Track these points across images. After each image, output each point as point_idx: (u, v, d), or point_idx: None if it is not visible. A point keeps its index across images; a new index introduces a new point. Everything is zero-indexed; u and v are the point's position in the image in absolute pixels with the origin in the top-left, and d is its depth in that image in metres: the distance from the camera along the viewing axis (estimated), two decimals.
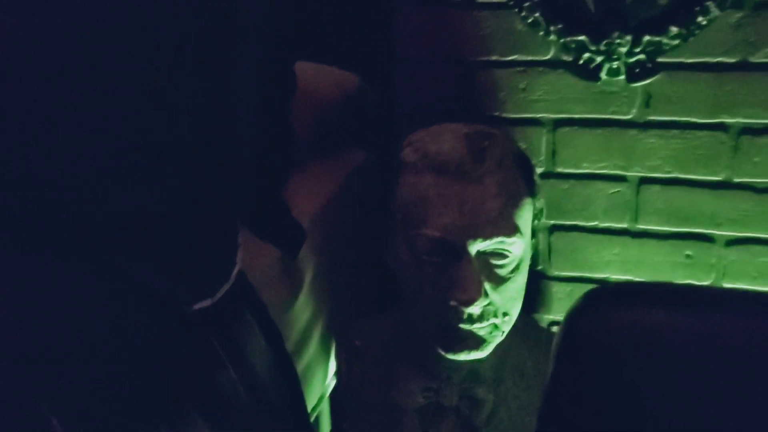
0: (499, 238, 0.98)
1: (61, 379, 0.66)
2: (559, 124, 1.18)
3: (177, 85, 0.75)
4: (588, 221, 1.22)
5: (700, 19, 1.04)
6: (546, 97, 1.17)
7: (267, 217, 1.06)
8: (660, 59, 1.09)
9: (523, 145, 1.17)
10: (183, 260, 0.79)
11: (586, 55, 1.10)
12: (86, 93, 0.70)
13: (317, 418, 1.31)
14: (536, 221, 1.07)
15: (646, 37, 1.06)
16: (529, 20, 1.11)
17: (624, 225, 1.20)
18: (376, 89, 1.45)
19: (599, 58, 1.09)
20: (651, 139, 1.14)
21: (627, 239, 1.21)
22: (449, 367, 1.10)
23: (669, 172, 1.15)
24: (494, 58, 1.17)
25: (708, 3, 1.03)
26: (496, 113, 1.20)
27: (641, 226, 1.20)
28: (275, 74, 1.11)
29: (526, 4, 1.10)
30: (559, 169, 1.20)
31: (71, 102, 0.70)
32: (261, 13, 0.87)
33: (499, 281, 1.01)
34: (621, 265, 1.23)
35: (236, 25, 0.82)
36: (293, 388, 0.98)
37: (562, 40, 1.11)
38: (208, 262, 0.83)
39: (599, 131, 1.16)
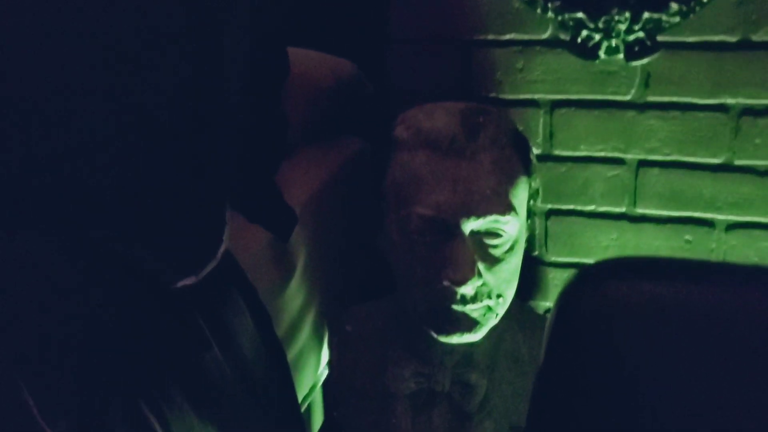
0: (493, 217, 0.96)
1: (36, 355, 0.64)
2: (556, 105, 1.16)
3: (164, 61, 0.74)
4: (585, 205, 1.20)
5: None
6: (543, 78, 1.15)
7: (258, 199, 1.05)
8: (660, 38, 1.07)
9: (520, 128, 1.15)
10: (167, 237, 0.78)
11: (584, 32, 1.08)
12: (69, 67, 0.69)
13: (309, 408, 1.30)
14: (532, 201, 1.05)
15: (646, 14, 1.04)
16: None
17: (622, 209, 1.18)
18: (371, 78, 1.44)
19: (597, 36, 1.08)
20: (650, 120, 1.12)
21: (625, 224, 1.19)
22: (442, 352, 1.08)
23: (668, 155, 1.13)
24: (490, 37, 1.15)
25: None
26: (493, 94, 1.18)
27: (640, 211, 1.18)
28: (267, 55, 1.10)
29: None
30: (557, 152, 1.18)
31: (54, 76, 0.68)
32: None
33: (493, 262, 0.99)
34: (619, 251, 1.20)
35: (228, 3, 0.80)
36: (283, 373, 0.97)
37: (559, 18, 1.09)
38: (194, 239, 0.81)
39: (597, 113, 1.14)
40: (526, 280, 1.22)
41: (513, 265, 1.02)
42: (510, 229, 0.99)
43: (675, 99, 1.10)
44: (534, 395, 0.70)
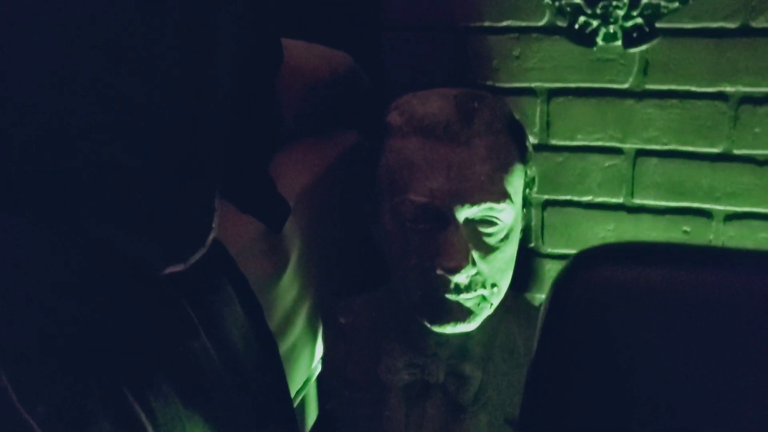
0: (488, 204, 0.94)
1: (13, 338, 0.63)
2: (553, 93, 1.14)
3: (155, 50, 0.73)
4: (582, 196, 1.18)
5: None
6: (540, 65, 1.13)
7: (250, 189, 1.04)
8: (658, 24, 1.05)
9: (516, 116, 1.13)
10: (155, 223, 0.76)
11: (582, 19, 1.06)
12: (57, 47, 0.68)
13: (303, 402, 1.28)
14: (528, 190, 1.03)
15: (644, 0, 1.02)
16: None
17: (620, 200, 1.17)
18: (366, 68, 1.42)
19: (595, 23, 1.06)
20: (648, 109, 1.11)
21: (623, 214, 1.17)
22: (436, 343, 1.07)
23: (666, 144, 1.11)
24: (486, 24, 1.13)
25: None
26: (489, 82, 1.16)
27: (637, 201, 1.16)
28: (259, 43, 1.09)
29: None
30: (554, 142, 1.16)
31: (44, 66, 0.67)
32: None
33: (487, 250, 0.97)
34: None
35: None
36: (274, 365, 0.95)
37: (557, 3, 1.07)
38: (182, 226, 0.80)
39: (595, 101, 1.12)
40: (522, 272, 1.20)
41: (508, 255, 1.00)
42: (505, 217, 0.97)
43: (673, 87, 1.08)
44: (528, 383, 0.69)
